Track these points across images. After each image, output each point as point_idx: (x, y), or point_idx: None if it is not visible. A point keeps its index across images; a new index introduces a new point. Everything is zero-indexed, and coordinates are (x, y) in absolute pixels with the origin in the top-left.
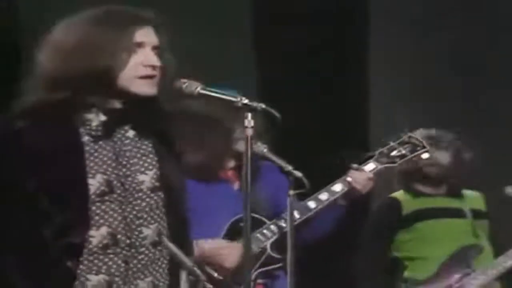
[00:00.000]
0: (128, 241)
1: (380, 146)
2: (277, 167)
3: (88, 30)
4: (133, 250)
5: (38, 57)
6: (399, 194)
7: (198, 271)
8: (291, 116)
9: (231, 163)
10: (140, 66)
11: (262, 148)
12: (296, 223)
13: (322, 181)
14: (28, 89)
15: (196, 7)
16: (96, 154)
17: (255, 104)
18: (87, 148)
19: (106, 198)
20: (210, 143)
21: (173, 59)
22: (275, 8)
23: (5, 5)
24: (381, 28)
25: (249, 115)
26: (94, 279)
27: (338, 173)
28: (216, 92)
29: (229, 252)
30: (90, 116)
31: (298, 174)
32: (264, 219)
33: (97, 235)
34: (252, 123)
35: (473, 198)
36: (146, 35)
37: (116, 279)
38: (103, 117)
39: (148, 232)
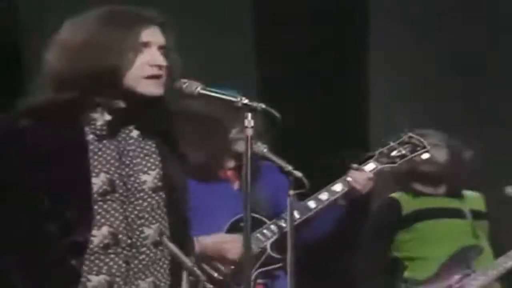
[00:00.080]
0: (129, 241)
1: (380, 146)
2: (277, 167)
3: (94, 29)
4: (134, 250)
5: (46, 57)
6: (398, 194)
7: (198, 271)
8: (291, 116)
9: (231, 163)
10: (146, 66)
11: (262, 148)
12: (296, 223)
13: (322, 181)
14: (35, 88)
15: (196, 7)
16: (100, 153)
17: (255, 104)
18: (91, 147)
19: (108, 197)
20: (210, 143)
21: (179, 59)
22: (275, 8)
23: (5, 5)
24: (381, 28)
25: (249, 115)
26: (94, 279)
27: (338, 173)
28: (216, 92)
29: (231, 245)
30: (95, 115)
31: (298, 174)
32: (264, 219)
33: (98, 234)
34: (252, 123)
35: (473, 199)
36: (152, 35)
37: (117, 279)
38: (108, 117)
39: (150, 232)
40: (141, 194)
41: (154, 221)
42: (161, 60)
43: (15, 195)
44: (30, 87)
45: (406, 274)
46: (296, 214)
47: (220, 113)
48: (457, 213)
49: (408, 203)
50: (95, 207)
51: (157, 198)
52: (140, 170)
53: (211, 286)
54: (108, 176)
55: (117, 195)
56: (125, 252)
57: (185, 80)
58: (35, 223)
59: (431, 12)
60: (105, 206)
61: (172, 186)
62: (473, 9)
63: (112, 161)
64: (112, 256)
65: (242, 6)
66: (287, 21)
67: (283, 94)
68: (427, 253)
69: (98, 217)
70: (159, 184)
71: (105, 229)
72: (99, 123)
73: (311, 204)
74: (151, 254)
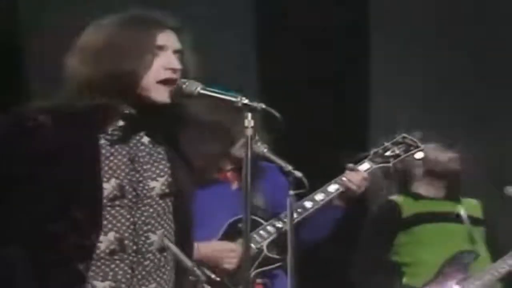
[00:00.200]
0: (135, 247)
1: (376, 146)
2: (277, 167)
3: (114, 33)
4: (139, 256)
5: (66, 61)
6: (398, 197)
7: (198, 272)
8: (291, 116)
9: (229, 165)
10: (161, 69)
11: (262, 148)
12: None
13: (321, 181)
14: (58, 90)
15: (196, 7)
16: (111, 158)
17: (255, 104)
18: (103, 151)
19: (117, 202)
20: (210, 147)
21: (195, 63)
22: (276, 8)
23: (5, 5)
24: (381, 28)
25: (249, 115)
26: (100, 285)
27: (338, 173)
28: (216, 92)
29: (226, 254)
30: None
31: (298, 174)
32: (261, 220)
33: (104, 240)
34: (252, 123)
35: (471, 205)
36: (167, 39)
37: (122, 285)
38: (121, 122)
39: (155, 238)
40: (149, 200)
41: (160, 227)
42: (176, 64)
43: (25, 191)
44: (30, 87)
45: (403, 278)
46: (294, 214)
47: (219, 116)
48: (454, 218)
49: (408, 206)
50: (103, 212)
51: (163, 204)
52: (149, 176)
53: (209, 287)
54: (118, 181)
55: (125, 200)
56: (130, 258)
57: (185, 80)
58: (43, 222)
59: (432, 14)
60: (112, 211)
61: (180, 192)
62: (473, 11)
63: (122, 167)
64: (118, 262)
65: (243, 6)
66: (287, 21)
67: (283, 94)
68: (424, 257)
69: (105, 222)
70: (167, 190)
71: (111, 235)
72: (111, 128)
73: (307, 204)
74: (156, 260)
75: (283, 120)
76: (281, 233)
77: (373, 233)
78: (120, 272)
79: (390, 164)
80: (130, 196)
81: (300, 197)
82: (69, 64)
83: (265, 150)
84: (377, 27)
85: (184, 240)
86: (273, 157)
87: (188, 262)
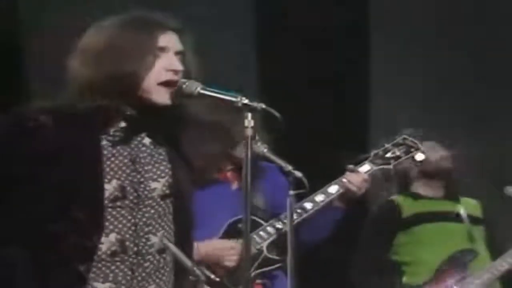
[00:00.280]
0: (135, 249)
1: (376, 147)
2: (277, 167)
3: (116, 34)
4: (139, 258)
5: (68, 62)
6: (397, 197)
7: (198, 271)
8: (291, 116)
9: (229, 166)
10: (162, 70)
11: (262, 148)
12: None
13: (321, 182)
14: (59, 91)
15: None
16: (113, 159)
17: (255, 104)
18: (105, 152)
19: (118, 204)
20: (207, 147)
21: (197, 64)
22: (276, 8)
23: (5, 5)
24: (381, 28)
25: (249, 115)
26: (100, 287)
27: (338, 174)
28: (216, 92)
29: (227, 252)
30: (111, 121)
31: (298, 174)
32: (261, 221)
33: (106, 241)
34: (252, 123)
35: (470, 204)
36: (169, 40)
37: (122, 287)
38: (122, 123)
39: (155, 239)
40: (150, 201)
41: (160, 229)
42: (177, 65)
43: (26, 192)
44: (30, 87)
45: (403, 277)
46: (294, 215)
47: (221, 116)
48: (454, 217)
49: (408, 206)
50: (105, 213)
51: (164, 205)
52: (151, 177)
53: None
54: (119, 182)
55: (127, 202)
56: (131, 259)
57: (185, 80)
58: (44, 223)
59: (432, 14)
60: (114, 212)
61: (180, 193)
62: (473, 12)
63: (124, 168)
64: (118, 263)
65: (243, 6)
66: (287, 21)
67: (283, 94)
68: (423, 257)
69: (106, 223)
70: (167, 191)
71: (113, 236)
72: (113, 129)
73: (307, 205)
74: (155, 262)
75: (283, 120)
76: (281, 234)
77: (373, 233)
78: (121, 274)
79: (391, 166)
80: (131, 197)
81: (300, 197)
82: (71, 65)
83: (265, 150)
84: (377, 27)
85: (184, 240)
86: (273, 157)
87: (187, 262)
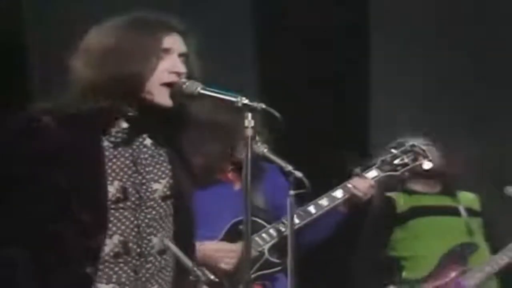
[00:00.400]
0: (138, 250)
1: (380, 149)
2: (277, 167)
3: (119, 35)
4: (142, 259)
5: (71, 63)
6: (394, 193)
7: (199, 272)
8: (291, 116)
9: (230, 166)
10: (165, 72)
11: (262, 148)
12: (295, 227)
13: (322, 181)
14: (63, 92)
15: (197, 7)
16: (114, 160)
17: (255, 104)
18: (106, 153)
19: (121, 205)
20: (208, 147)
21: (199, 66)
22: (276, 8)
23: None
24: (381, 28)
25: (249, 115)
26: None
27: (338, 174)
28: (216, 92)
29: (225, 254)
30: (113, 122)
31: (298, 174)
32: (263, 222)
33: (109, 243)
34: (252, 123)
35: (467, 198)
36: (173, 42)
37: None
38: (124, 124)
39: (156, 240)
40: (152, 202)
41: (161, 230)
42: (181, 67)
43: (28, 192)
44: (32, 86)
45: (402, 272)
46: (296, 219)
47: (220, 117)
48: (452, 211)
49: (403, 201)
50: (107, 215)
51: (165, 207)
52: (152, 178)
53: None
54: (121, 183)
55: (129, 203)
56: (134, 261)
57: (185, 80)
58: (47, 224)
59: (432, 15)
60: (116, 214)
61: (181, 194)
62: (473, 13)
63: (125, 169)
64: (122, 265)
65: (243, 6)
66: (287, 21)
67: (283, 94)
68: (422, 251)
69: (109, 225)
70: (168, 193)
71: (116, 238)
72: (114, 130)
73: (311, 209)
74: (157, 263)
75: (283, 120)
76: (282, 237)
77: (372, 231)
78: (124, 275)
79: (398, 173)
80: (133, 199)
81: (300, 197)
82: (74, 66)
83: (265, 150)
84: (377, 27)
85: (185, 241)
86: (273, 157)
87: (188, 262)
